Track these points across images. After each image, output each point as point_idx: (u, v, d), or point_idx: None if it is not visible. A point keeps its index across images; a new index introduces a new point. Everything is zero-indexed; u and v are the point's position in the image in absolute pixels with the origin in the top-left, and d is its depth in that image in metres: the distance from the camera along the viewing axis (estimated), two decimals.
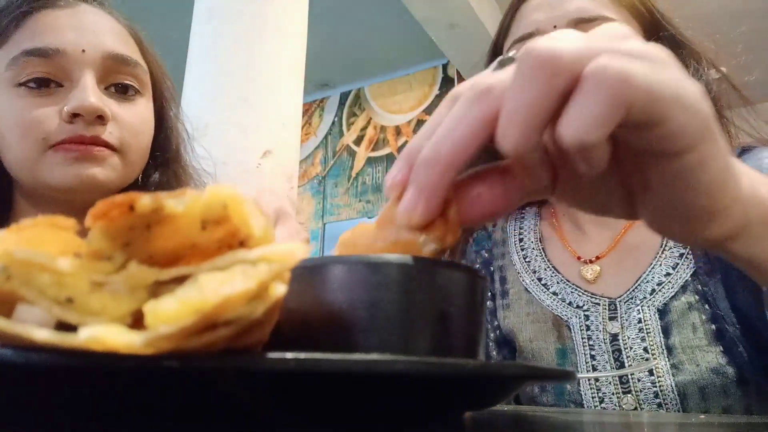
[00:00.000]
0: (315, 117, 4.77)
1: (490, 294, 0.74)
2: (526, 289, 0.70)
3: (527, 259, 0.72)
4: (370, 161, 4.38)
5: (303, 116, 2.89)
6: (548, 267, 0.70)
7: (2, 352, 0.16)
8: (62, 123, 0.57)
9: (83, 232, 0.19)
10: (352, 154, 4.50)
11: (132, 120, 0.61)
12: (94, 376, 0.18)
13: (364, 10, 3.71)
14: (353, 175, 4.45)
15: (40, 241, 0.19)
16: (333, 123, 4.68)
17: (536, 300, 0.68)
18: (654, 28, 0.64)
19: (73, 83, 0.58)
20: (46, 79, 0.58)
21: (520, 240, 0.75)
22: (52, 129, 0.57)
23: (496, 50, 0.73)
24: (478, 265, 0.77)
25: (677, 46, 0.64)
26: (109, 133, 0.59)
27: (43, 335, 0.16)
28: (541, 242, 0.73)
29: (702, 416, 0.51)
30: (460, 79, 4.08)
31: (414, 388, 0.22)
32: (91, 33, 0.60)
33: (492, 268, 0.76)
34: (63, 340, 0.16)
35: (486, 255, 0.78)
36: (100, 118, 0.58)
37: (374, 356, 0.18)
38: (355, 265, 0.25)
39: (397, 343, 0.24)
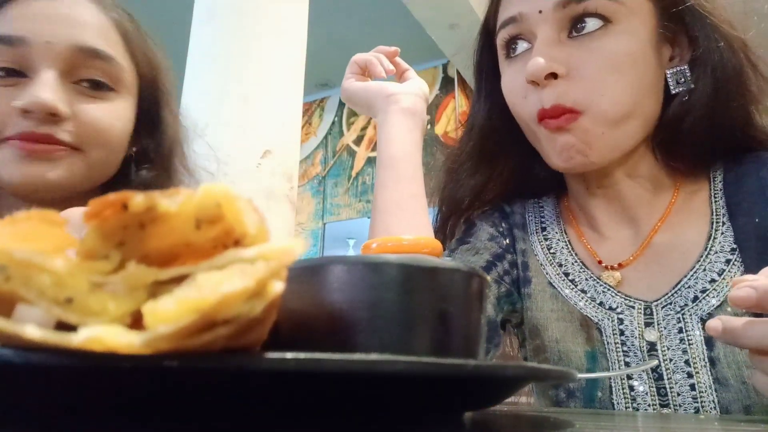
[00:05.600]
0: (315, 117, 4.77)
1: (512, 270, 0.67)
2: (550, 282, 0.64)
3: (552, 250, 0.66)
4: (370, 161, 4.38)
5: (303, 116, 2.89)
6: (576, 261, 0.64)
7: (2, 352, 0.16)
8: (18, 118, 0.55)
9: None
10: (352, 154, 4.50)
11: (97, 117, 0.59)
12: (93, 376, 0.18)
13: (363, 10, 3.71)
14: (353, 175, 4.45)
15: (34, 235, 0.19)
16: (333, 123, 4.68)
17: (561, 296, 0.63)
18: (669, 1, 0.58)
19: (36, 76, 0.56)
20: (11, 69, 0.56)
21: (543, 229, 0.69)
22: (8, 124, 0.55)
23: (487, 31, 0.69)
24: (500, 230, 0.70)
25: (699, 18, 0.57)
26: (66, 131, 0.56)
27: (41, 335, 0.16)
28: (566, 234, 0.67)
29: (702, 416, 0.51)
30: (460, 79, 4.08)
31: (414, 388, 0.22)
32: (62, 23, 0.57)
33: (515, 240, 0.69)
34: (62, 340, 0.16)
35: (504, 226, 0.71)
36: (53, 116, 0.55)
37: (374, 356, 0.18)
38: (355, 265, 0.25)
39: (397, 343, 0.24)
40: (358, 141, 4.51)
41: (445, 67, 4.20)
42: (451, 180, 0.73)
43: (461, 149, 0.72)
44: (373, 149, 4.38)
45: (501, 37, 0.64)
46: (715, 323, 0.37)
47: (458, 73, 4.06)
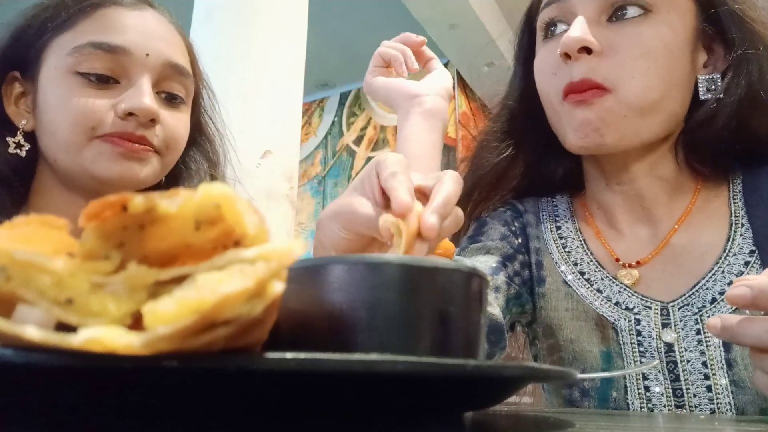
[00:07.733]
0: (315, 117, 4.77)
1: (523, 270, 0.67)
2: (565, 281, 0.64)
3: (566, 249, 0.66)
4: (370, 161, 4.38)
5: (303, 116, 2.89)
6: (592, 260, 0.64)
7: (2, 352, 0.16)
8: (115, 118, 0.59)
9: (78, 232, 0.19)
10: (352, 154, 4.50)
11: (175, 126, 0.65)
12: (94, 376, 0.18)
13: (363, 10, 3.71)
14: (353, 175, 4.44)
15: (33, 239, 0.19)
16: (333, 123, 4.68)
17: (576, 295, 0.63)
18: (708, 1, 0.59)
19: (130, 82, 0.61)
20: (104, 75, 0.60)
21: (558, 227, 0.69)
22: (104, 122, 0.59)
23: (530, 14, 0.70)
24: (512, 228, 0.69)
25: (739, 22, 0.58)
26: (155, 136, 0.62)
27: (41, 335, 0.16)
28: (581, 233, 0.67)
29: (702, 417, 0.50)
30: (460, 79, 4.07)
31: (414, 388, 0.22)
32: (156, 39, 0.63)
33: (528, 239, 0.69)
34: (61, 341, 0.16)
35: (517, 225, 0.70)
36: (152, 121, 0.61)
37: (374, 356, 0.18)
38: (355, 265, 0.25)
39: (397, 343, 0.24)
40: (358, 141, 4.50)
41: (445, 67, 4.20)
42: (477, 156, 0.74)
43: (490, 129, 0.74)
44: (373, 149, 4.38)
45: (541, 18, 0.64)
46: (714, 321, 0.37)
47: (458, 72, 4.06)
